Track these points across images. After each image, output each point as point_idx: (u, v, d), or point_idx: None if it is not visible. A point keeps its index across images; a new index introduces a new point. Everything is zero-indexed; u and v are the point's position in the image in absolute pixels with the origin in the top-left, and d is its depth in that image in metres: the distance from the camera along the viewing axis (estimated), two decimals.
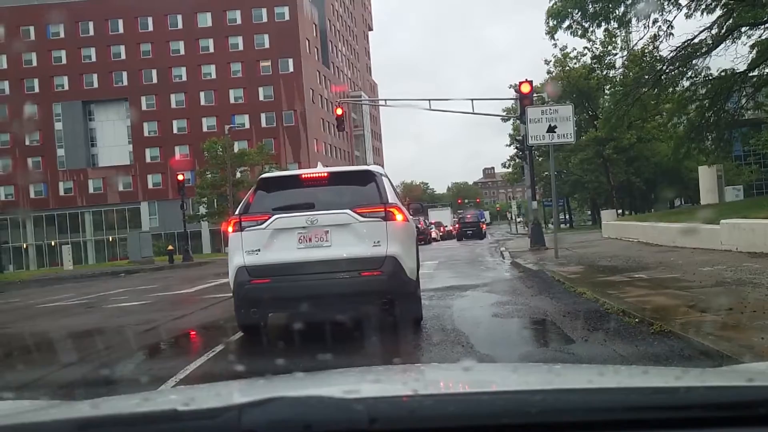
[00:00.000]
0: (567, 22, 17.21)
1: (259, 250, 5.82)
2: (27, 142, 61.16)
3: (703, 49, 17.00)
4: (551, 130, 12.78)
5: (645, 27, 17.15)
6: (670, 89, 19.19)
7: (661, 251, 12.48)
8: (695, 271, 8.47)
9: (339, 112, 26.13)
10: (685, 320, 5.14)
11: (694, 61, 17.51)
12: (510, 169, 53.22)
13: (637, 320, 5.49)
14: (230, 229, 6.04)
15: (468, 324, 6.58)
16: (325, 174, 6.40)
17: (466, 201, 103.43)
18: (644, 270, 9.22)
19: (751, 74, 18.75)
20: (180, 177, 33.92)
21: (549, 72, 42.11)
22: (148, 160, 60.98)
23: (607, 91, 38.48)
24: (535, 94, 18.55)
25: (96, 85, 61.63)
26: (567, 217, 57.93)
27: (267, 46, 60.55)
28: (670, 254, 11.46)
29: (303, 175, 6.45)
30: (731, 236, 10.88)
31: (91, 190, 61.59)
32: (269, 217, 5.86)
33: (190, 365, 5.19)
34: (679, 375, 1.51)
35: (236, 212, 6.23)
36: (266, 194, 6.21)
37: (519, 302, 7.77)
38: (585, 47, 38.78)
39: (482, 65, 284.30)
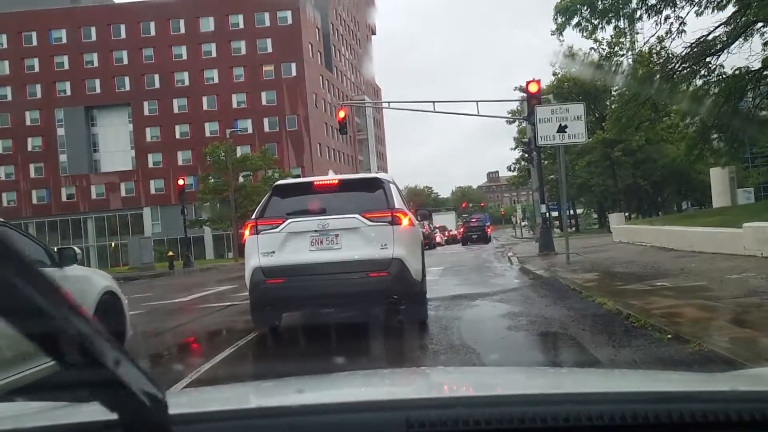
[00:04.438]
0: (576, 19, 16.63)
1: (274, 252, 6.18)
2: (29, 148, 60.95)
3: (718, 46, 16.41)
4: (562, 129, 12.21)
5: (656, 24, 16.57)
6: (683, 87, 18.58)
7: (679, 257, 11.85)
8: (722, 279, 7.87)
9: (341, 114, 25.61)
10: (727, 336, 4.54)
11: (707, 59, 16.90)
12: (515, 173, 52.58)
13: (669, 336, 4.90)
14: (247, 232, 6.39)
15: (479, 338, 6.04)
16: (336, 181, 6.82)
17: (471, 205, 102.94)
18: (665, 277, 8.61)
19: (766, 72, 18.15)
20: (180, 182, 33.45)
21: (555, 74, 41.56)
22: (150, 165, 60.65)
23: (614, 92, 37.88)
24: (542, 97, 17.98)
25: (98, 90, 61.41)
26: (572, 220, 57.30)
27: (270, 50, 60.20)
28: (689, 260, 10.84)
29: (315, 182, 6.81)
30: (755, 241, 10.27)
31: (93, 196, 61.29)
32: (284, 221, 6.24)
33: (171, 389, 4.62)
34: (685, 379, 1.53)
35: (253, 217, 6.55)
36: (281, 200, 6.58)
37: (533, 313, 7.18)
38: (591, 48, 38.25)
39: (489, 71, 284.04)
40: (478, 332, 6.40)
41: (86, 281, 5.52)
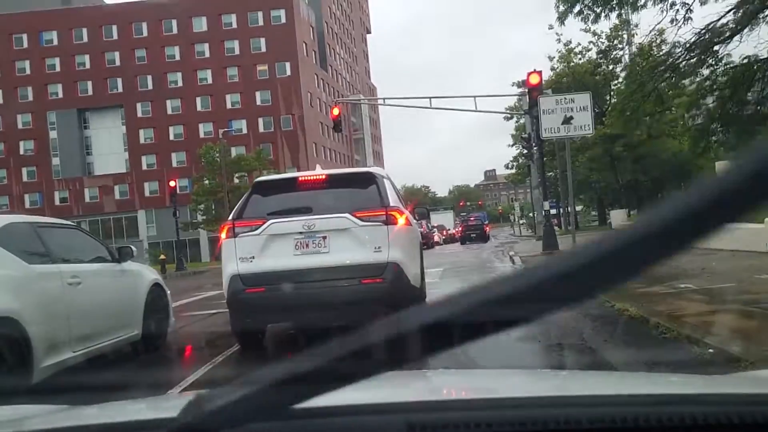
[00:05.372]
0: (578, 7, 15.94)
1: (253, 258, 5.57)
2: (21, 152, 60.16)
3: (727, 33, 15.71)
4: (567, 121, 11.51)
5: (662, 11, 15.85)
6: (688, 79, 17.89)
7: (695, 255, 11.09)
8: (751, 280, 7.17)
9: (336, 112, 24.90)
10: None
11: (715, 47, 16.19)
12: (514, 171, 51.85)
13: (711, 351, 4.19)
14: (223, 235, 5.82)
15: (485, 351, 5.25)
16: (323, 177, 6.13)
17: (468, 204, 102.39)
18: (687, 278, 7.88)
19: None
20: (172, 183, 32.77)
21: (553, 68, 40.85)
22: (144, 167, 59.94)
23: (613, 87, 37.20)
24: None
25: (91, 92, 60.68)
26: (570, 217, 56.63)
27: (264, 50, 59.51)
28: (709, 258, 10.09)
29: (300, 178, 6.18)
30: None
31: (87, 199, 60.54)
32: (264, 223, 5.61)
33: None
34: (686, 381, 1.52)
35: (230, 217, 5.96)
36: (261, 198, 5.96)
37: (545, 321, 6.47)
38: (590, 42, 37.66)
39: (485, 71, 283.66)
40: (483, 344, 5.67)
41: (140, 275, 6.41)
